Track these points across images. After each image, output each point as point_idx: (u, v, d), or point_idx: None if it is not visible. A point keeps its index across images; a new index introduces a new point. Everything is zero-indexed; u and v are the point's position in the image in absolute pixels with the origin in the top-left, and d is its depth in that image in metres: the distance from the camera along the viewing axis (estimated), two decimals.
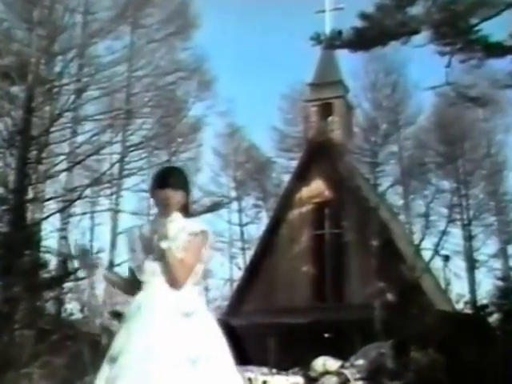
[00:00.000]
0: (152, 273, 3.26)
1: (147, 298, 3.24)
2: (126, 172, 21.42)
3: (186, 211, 3.39)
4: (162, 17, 20.65)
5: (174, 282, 3.23)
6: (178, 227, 3.29)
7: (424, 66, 25.83)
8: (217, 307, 31.13)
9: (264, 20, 43.12)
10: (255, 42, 45.60)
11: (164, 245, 3.22)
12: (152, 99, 19.77)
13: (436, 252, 23.25)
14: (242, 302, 22.86)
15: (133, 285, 3.35)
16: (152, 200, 3.41)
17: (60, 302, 15.87)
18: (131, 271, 3.40)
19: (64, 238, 19.67)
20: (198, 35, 21.87)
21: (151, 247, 3.27)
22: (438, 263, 24.67)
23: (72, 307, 16.69)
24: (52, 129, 17.51)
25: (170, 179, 3.34)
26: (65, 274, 16.47)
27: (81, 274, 17.72)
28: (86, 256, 3.71)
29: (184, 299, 3.25)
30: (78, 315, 16.80)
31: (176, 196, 3.32)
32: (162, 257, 3.24)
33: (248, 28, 43.14)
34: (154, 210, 3.50)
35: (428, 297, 20.35)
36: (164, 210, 3.32)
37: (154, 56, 19.77)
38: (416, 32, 15.59)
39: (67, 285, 16.85)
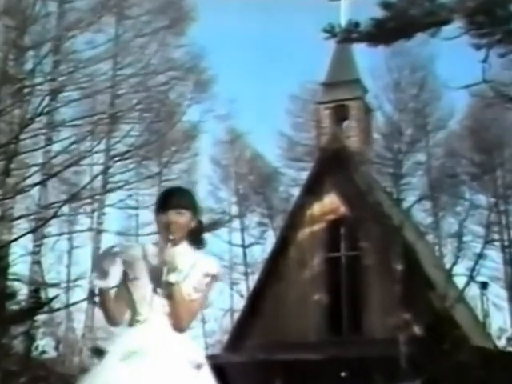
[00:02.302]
0: (156, 310, 3.25)
1: (149, 340, 3.18)
2: (110, 186, 21.41)
3: (198, 238, 3.40)
4: (151, 7, 20.71)
5: (178, 324, 3.24)
6: (190, 262, 3.29)
7: (456, 62, 25.71)
8: (216, 342, 31.01)
9: (269, 11, 42.87)
10: (259, 35, 45.45)
11: (173, 279, 3.20)
12: (141, 102, 19.85)
13: (471, 278, 22.91)
14: (244, 335, 22.57)
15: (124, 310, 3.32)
16: (156, 225, 3.40)
17: (30, 338, 15.71)
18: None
19: (37, 263, 19.76)
20: (193, 29, 22.08)
21: (159, 280, 3.24)
22: (473, 291, 24.49)
23: (45, 344, 16.67)
24: (23, 136, 17.45)
25: (172, 200, 3.35)
26: (37, 305, 16.40)
27: (56, 304, 17.74)
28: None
29: (192, 346, 3.27)
30: (51, 353, 16.71)
31: (181, 219, 3.31)
32: (168, 293, 3.24)
33: (251, 20, 42.87)
34: (157, 237, 3.48)
35: (462, 330, 20.03)
36: (167, 235, 3.30)
37: (142, 52, 19.85)
38: (447, 22, 15.39)
39: (39, 318, 16.68)
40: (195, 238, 3.41)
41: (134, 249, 3.42)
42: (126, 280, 3.33)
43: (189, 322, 3.30)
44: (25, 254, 19.14)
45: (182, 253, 3.29)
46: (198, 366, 3.15)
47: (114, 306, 3.32)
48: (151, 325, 3.23)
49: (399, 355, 18.62)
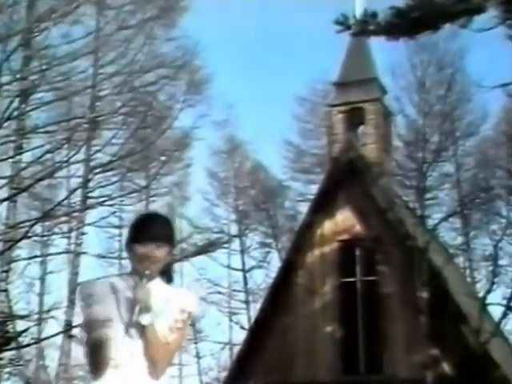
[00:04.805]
0: (128, 352, 3.30)
1: None
2: (89, 201, 21.62)
3: (169, 271, 3.52)
4: None
5: (153, 370, 3.31)
6: (164, 298, 3.37)
7: (490, 57, 25.53)
8: (213, 380, 30.89)
9: (272, 1, 42.70)
10: (263, 28, 45.41)
11: (146, 320, 3.27)
12: (125, 104, 20.00)
13: (509, 308, 22.79)
14: (245, 373, 22.41)
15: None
16: (128, 256, 3.47)
17: None
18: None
19: (3, 291, 19.44)
20: (186, 20, 22.16)
21: (131, 319, 3.31)
22: None
23: None
24: None
25: (151, 230, 3.43)
26: (3, 340, 16.33)
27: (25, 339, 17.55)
28: None
29: None
30: None
31: (159, 253, 3.40)
32: (141, 334, 3.31)
33: (252, 11, 42.90)
34: (128, 267, 3.57)
35: (501, 370, 19.91)
36: (142, 270, 3.36)
37: (127, 47, 19.99)
38: (479, 10, 15.53)
39: (6, 355, 16.50)
40: (165, 272, 3.48)
41: (103, 285, 3.45)
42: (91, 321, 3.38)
43: (165, 367, 3.38)
44: None
45: (156, 289, 3.36)
46: None
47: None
48: (125, 370, 3.29)
49: None
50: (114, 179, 21.90)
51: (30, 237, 19.12)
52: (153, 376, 3.32)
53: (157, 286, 3.39)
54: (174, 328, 3.36)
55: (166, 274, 3.49)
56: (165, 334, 3.32)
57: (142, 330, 3.29)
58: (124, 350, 3.31)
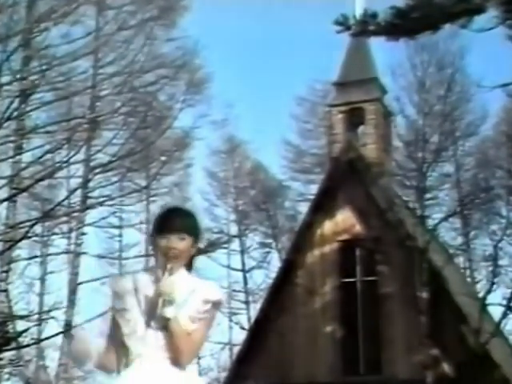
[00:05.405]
0: (151, 344, 3.34)
1: (142, 380, 3.27)
2: (89, 202, 21.47)
3: (192, 262, 3.54)
4: None
5: (178, 361, 3.34)
6: (188, 289, 3.39)
7: (490, 57, 25.45)
8: (213, 380, 30.84)
9: (272, 0, 42.72)
10: (262, 28, 45.38)
11: (169, 313, 3.29)
12: (125, 104, 19.91)
13: (509, 308, 22.73)
14: (245, 374, 22.39)
15: (116, 354, 3.40)
16: (152, 250, 3.53)
17: None
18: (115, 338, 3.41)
19: (3, 291, 19.40)
20: (186, 20, 22.07)
21: (154, 312, 3.34)
22: None
23: None
24: None
25: (174, 222, 3.44)
26: (3, 340, 16.26)
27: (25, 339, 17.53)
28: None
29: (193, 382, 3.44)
30: None
31: (181, 244, 3.41)
32: (165, 327, 3.33)
33: (253, 10, 42.83)
34: (152, 263, 3.63)
35: (501, 370, 19.90)
36: (165, 263, 3.39)
37: (127, 47, 19.94)
38: (480, 11, 15.63)
39: (6, 355, 16.45)
40: (191, 262, 3.51)
41: (125, 280, 3.49)
42: (114, 315, 3.43)
43: (189, 356, 3.39)
44: None
45: (180, 281, 3.36)
46: None
47: (105, 351, 3.41)
48: (146, 362, 3.31)
49: None
50: (114, 179, 21.80)
51: (30, 237, 18.99)
52: (176, 365, 3.34)
53: (181, 277, 3.39)
54: (196, 318, 3.38)
55: (189, 266, 3.50)
56: (185, 323, 3.34)
57: (166, 322, 3.31)
58: (146, 343, 3.33)
